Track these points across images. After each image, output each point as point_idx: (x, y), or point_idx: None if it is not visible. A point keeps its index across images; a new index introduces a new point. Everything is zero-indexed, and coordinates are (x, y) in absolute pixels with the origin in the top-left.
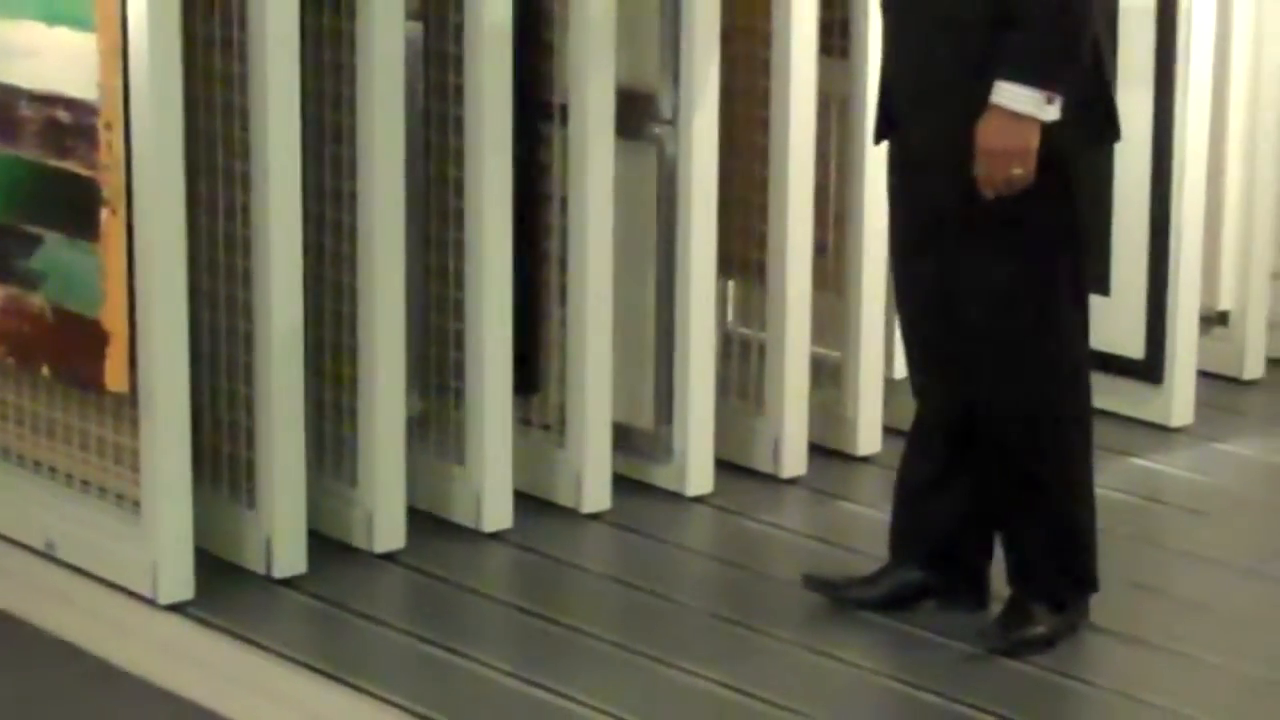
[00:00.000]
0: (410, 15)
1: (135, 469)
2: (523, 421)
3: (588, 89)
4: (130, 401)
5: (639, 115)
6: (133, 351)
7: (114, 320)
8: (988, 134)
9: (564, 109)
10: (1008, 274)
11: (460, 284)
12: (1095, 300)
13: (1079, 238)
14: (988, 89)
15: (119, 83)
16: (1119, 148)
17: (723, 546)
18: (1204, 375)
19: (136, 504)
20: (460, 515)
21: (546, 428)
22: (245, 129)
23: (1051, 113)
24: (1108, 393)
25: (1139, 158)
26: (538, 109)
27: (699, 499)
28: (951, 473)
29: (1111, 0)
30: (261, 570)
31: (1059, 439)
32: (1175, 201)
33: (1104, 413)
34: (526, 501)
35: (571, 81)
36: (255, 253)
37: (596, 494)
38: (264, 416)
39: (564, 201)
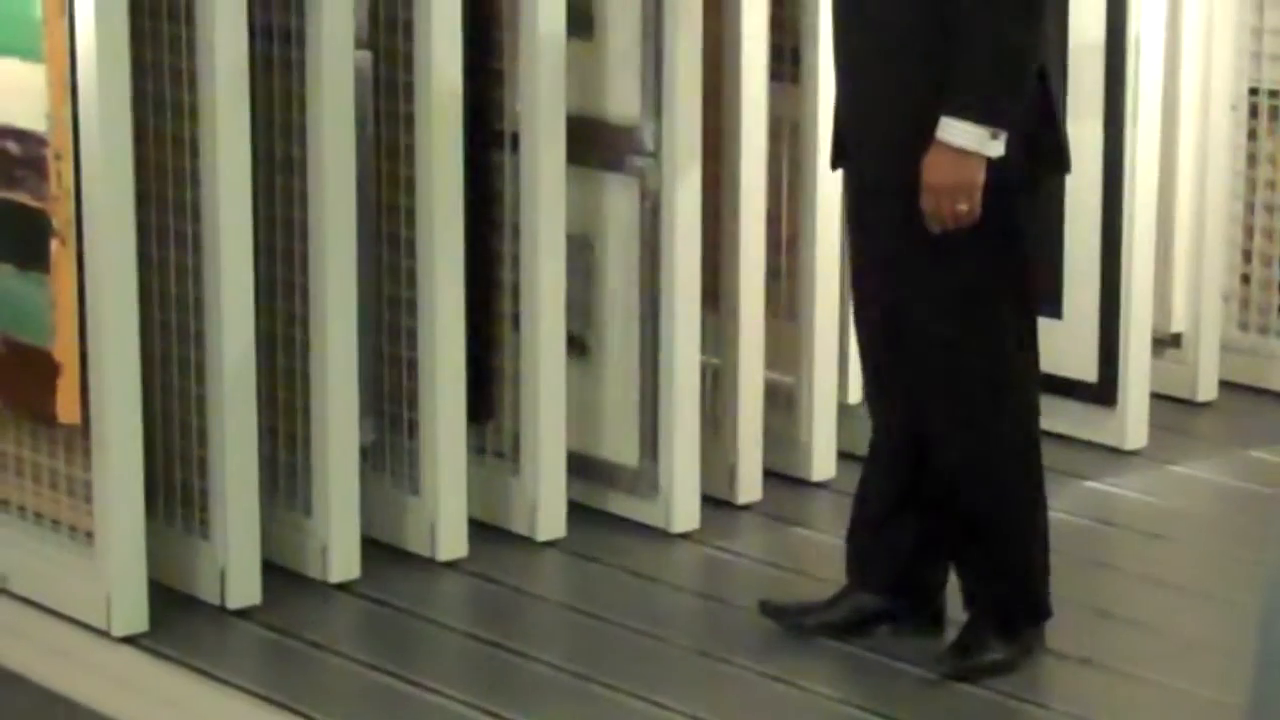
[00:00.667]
0: (359, 44)
1: (88, 501)
2: (477, 449)
3: (538, 116)
4: (82, 433)
5: (619, 148)
6: (84, 383)
7: (65, 352)
8: (932, 169)
9: (515, 137)
10: (952, 309)
11: (413, 312)
12: (1048, 324)
13: (1025, 275)
14: (933, 122)
15: (68, 113)
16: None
17: (678, 573)
18: (1157, 397)
19: (90, 536)
20: (415, 544)
21: (501, 455)
22: (195, 158)
23: (996, 148)
24: (1060, 416)
25: (1090, 180)
26: (489, 137)
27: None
28: (906, 498)
29: (1061, 30)
30: (216, 601)
31: (1005, 475)
32: (1126, 224)
33: (1057, 436)
34: (482, 529)
35: (522, 109)
36: (206, 282)
37: (552, 521)
38: (217, 447)
39: (515, 229)
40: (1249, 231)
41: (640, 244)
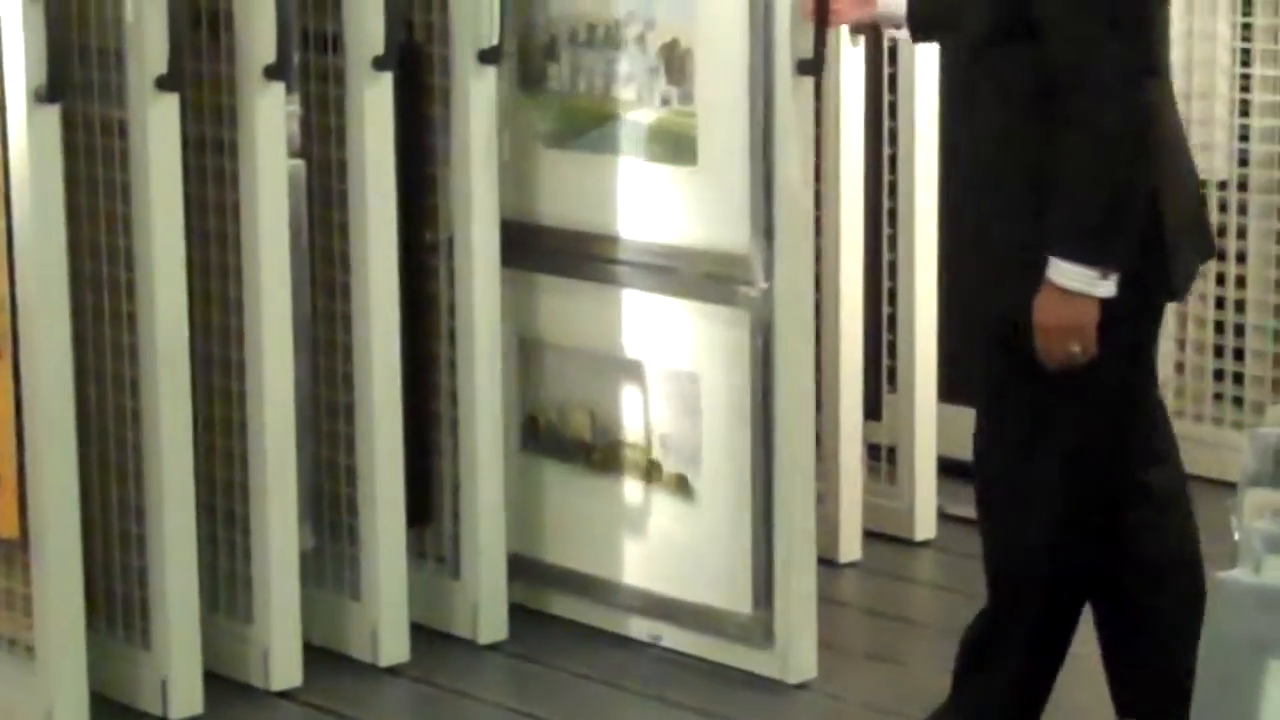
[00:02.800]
0: (293, 153)
1: (28, 614)
2: (417, 554)
3: (472, 222)
4: (21, 546)
5: (726, 279)
6: (22, 496)
7: (3, 465)
8: (1042, 310)
9: (450, 242)
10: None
11: (351, 418)
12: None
13: (1129, 401)
14: (1026, 260)
15: (2, 226)
16: None
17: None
18: None
19: (31, 649)
20: (357, 650)
21: (441, 559)
22: (130, 270)
23: (1106, 288)
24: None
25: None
26: (424, 243)
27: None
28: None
29: (1179, 134)
30: (158, 712)
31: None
32: None
33: (950, 518)
34: (423, 634)
35: (456, 215)
36: (143, 392)
37: (493, 625)
38: (156, 556)
39: (452, 333)
40: (1182, 320)
41: (750, 379)
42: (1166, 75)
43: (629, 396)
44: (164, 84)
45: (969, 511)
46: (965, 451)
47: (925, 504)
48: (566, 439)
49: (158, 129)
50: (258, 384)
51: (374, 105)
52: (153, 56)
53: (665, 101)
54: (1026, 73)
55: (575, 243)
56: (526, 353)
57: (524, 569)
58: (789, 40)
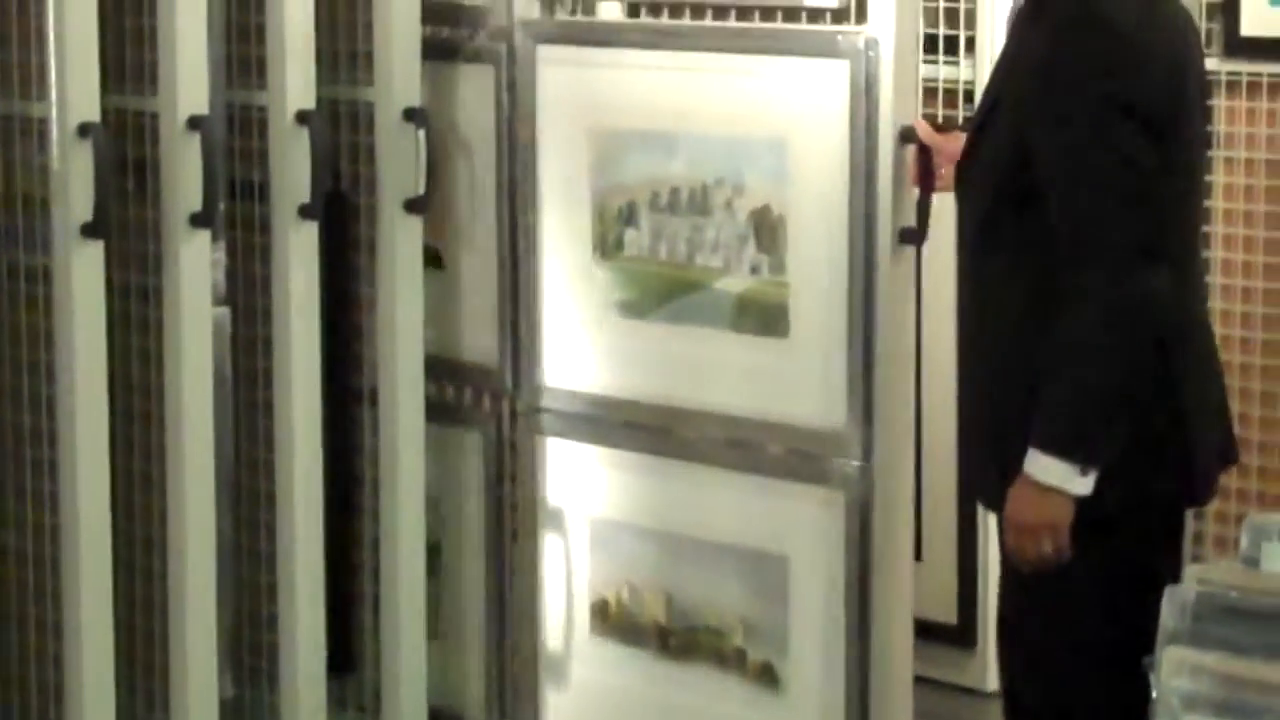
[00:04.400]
0: (217, 300)
1: None
2: (338, 702)
3: (397, 371)
4: None
5: (820, 457)
6: None
7: None
8: (1014, 505)
9: (374, 391)
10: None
11: (273, 567)
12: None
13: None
14: (1012, 443)
15: None
16: None
17: None
18: None
19: None
20: None
21: (362, 709)
22: (52, 417)
23: (1083, 485)
24: (920, 658)
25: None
26: (348, 392)
27: None
28: None
29: (1200, 325)
30: None
31: None
32: None
33: (917, 679)
34: None
35: (381, 364)
36: (63, 541)
37: None
38: (74, 707)
39: (375, 483)
40: None
41: (845, 562)
42: (1186, 260)
43: (710, 579)
44: (89, 231)
45: None
46: None
47: None
48: (641, 623)
49: (82, 276)
50: (179, 532)
51: (299, 253)
52: (78, 203)
53: (755, 270)
54: (1030, 244)
55: (653, 416)
56: (598, 531)
57: None
58: (890, 207)
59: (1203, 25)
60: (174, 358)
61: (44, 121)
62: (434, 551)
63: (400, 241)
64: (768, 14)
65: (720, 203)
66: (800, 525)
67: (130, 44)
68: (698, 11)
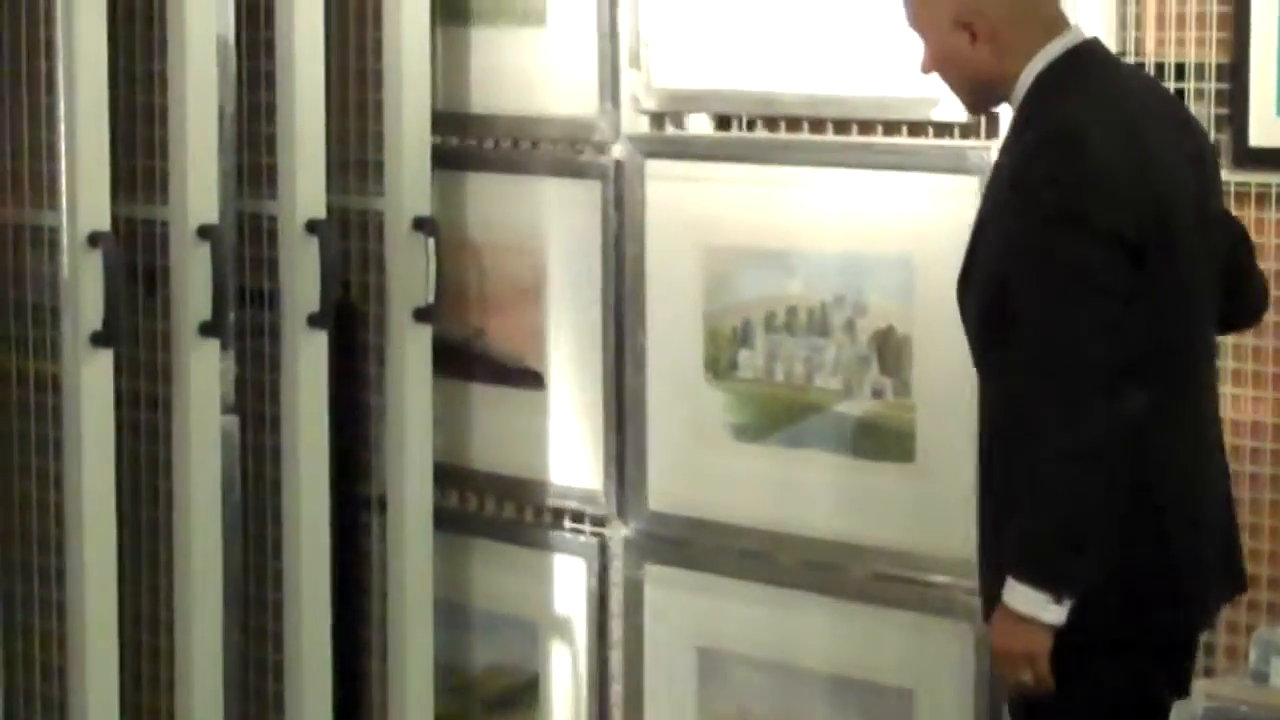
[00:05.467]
0: (226, 408)
1: None
2: None
3: (405, 479)
4: None
5: (951, 586)
6: None
7: None
8: (995, 633)
9: (383, 499)
10: None
11: (280, 677)
12: None
13: None
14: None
15: None
16: None
17: None
18: None
19: None
20: None
21: None
22: (60, 527)
23: (1056, 615)
24: None
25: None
26: (356, 499)
27: None
28: None
29: (1190, 454)
30: None
31: None
32: None
33: None
34: None
35: (389, 472)
36: (69, 648)
37: None
38: None
39: (383, 591)
40: None
41: (974, 697)
42: (1181, 384)
43: (829, 713)
44: (99, 340)
45: None
46: None
47: None
48: None
49: (92, 384)
50: (186, 641)
51: (308, 362)
52: (88, 312)
53: (878, 393)
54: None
55: (769, 544)
56: (707, 662)
57: None
58: None
59: (1210, 136)
60: (183, 466)
61: (54, 230)
62: (530, 685)
63: (410, 350)
64: (891, 128)
65: (840, 323)
66: (925, 658)
67: (141, 153)
68: (816, 126)
